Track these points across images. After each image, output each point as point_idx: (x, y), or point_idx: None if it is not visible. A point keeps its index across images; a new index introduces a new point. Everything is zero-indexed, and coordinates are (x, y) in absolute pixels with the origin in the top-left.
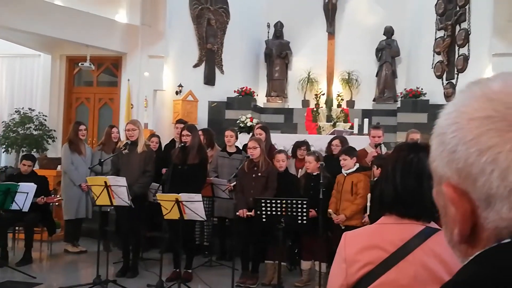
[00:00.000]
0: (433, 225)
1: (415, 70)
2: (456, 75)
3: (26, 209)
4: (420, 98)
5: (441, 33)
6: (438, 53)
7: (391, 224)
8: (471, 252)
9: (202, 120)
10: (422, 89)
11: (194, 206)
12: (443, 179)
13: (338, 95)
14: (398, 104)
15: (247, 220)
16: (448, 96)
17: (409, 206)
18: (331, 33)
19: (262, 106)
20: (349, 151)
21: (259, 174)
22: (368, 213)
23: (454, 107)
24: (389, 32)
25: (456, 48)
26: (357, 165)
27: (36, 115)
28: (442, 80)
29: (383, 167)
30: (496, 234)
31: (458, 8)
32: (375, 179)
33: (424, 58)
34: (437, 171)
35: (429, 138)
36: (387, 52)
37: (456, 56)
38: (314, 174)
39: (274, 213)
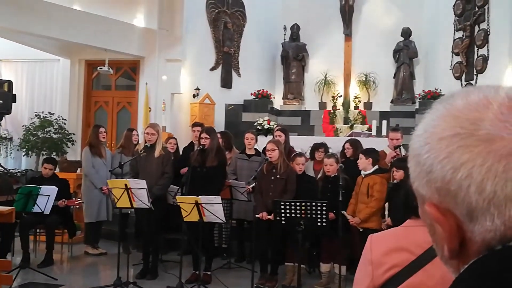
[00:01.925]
0: None
1: (433, 71)
2: (475, 76)
3: (47, 211)
4: (439, 99)
5: (459, 34)
6: (457, 54)
7: (417, 227)
8: (461, 266)
9: (219, 123)
10: (440, 90)
11: (214, 208)
12: (425, 199)
13: (355, 97)
14: (417, 106)
15: (266, 223)
16: None
17: None
18: (348, 35)
19: (279, 109)
20: (367, 151)
21: (278, 176)
22: (387, 216)
23: (424, 128)
24: (406, 33)
25: (475, 49)
26: (376, 167)
27: (56, 119)
28: (461, 81)
29: (408, 169)
30: (485, 245)
31: (477, 9)
32: (394, 181)
33: (442, 59)
34: (419, 191)
35: None
36: (405, 53)
37: (475, 57)
38: (331, 176)
39: (293, 215)
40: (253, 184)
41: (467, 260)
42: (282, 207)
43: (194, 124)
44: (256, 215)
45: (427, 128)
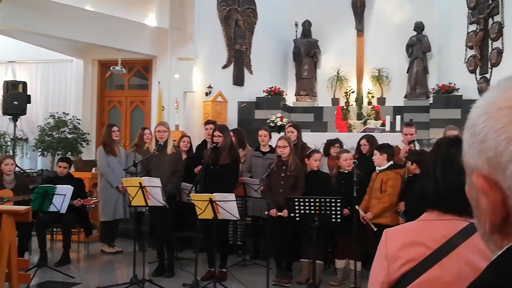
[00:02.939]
0: None
1: (447, 65)
2: (490, 69)
3: (63, 210)
4: (453, 93)
5: (473, 27)
6: (471, 48)
7: (433, 221)
8: (505, 243)
9: (231, 120)
10: (454, 84)
11: (228, 205)
12: (474, 170)
13: (369, 93)
14: (431, 100)
15: (279, 219)
16: (482, 91)
17: (451, 202)
18: (360, 30)
19: (292, 105)
20: (381, 147)
21: (288, 173)
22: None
23: (484, 100)
24: (419, 27)
25: (490, 42)
26: (391, 162)
27: (70, 119)
28: (475, 74)
29: (423, 163)
30: None
31: (490, 1)
32: (409, 175)
33: (456, 53)
34: (469, 162)
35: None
36: (418, 47)
37: (490, 50)
38: (345, 172)
39: (307, 212)
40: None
41: (509, 237)
42: (296, 203)
43: (207, 122)
44: (266, 212)
45: (488, 99)
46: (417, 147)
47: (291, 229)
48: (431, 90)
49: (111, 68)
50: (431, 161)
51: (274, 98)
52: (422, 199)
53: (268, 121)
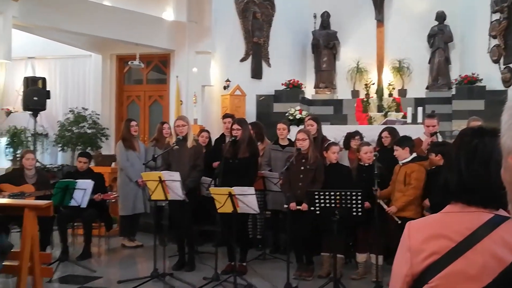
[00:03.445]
0: (502, 212)
1: (470, 55)
2: None
3: (84, 205)
4: (476, 84)
5: (496, 16)
6: (494, 37)
7: (457, 213)
8: None
9: (250, 114)
10: (478, 75)
11: (247, 199)
12: (511, 152)
13: (389, 84)
14: (453, 91)
15: (299, 213)
16: (506, 81)
17: (475, 194)
18: (380, 21)
19: (311, 98)
20: (401, 141)
21: (308, 166)
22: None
23: None
24: (441, 17)
25: None
26: (414, 155)
27: (89, 114)
28: (499, 64)
29: (447, 154)
30: None
31: None
32: (433, 168)
33: (479, 43)
34: (506, 144)
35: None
36: (440, 38)
37: None
38: (366, 165)
39: (328, 205)
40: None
41: None
42: (316, 197)
43: (225, 116)
44: (285, 206)
45: None
46: (440, 139)
47: (310, 223)
48: (453, 81)
49: (129, 62)
50: (454, 153)
51: (292, 91)
52: (446, 191)
53: (287, 114)
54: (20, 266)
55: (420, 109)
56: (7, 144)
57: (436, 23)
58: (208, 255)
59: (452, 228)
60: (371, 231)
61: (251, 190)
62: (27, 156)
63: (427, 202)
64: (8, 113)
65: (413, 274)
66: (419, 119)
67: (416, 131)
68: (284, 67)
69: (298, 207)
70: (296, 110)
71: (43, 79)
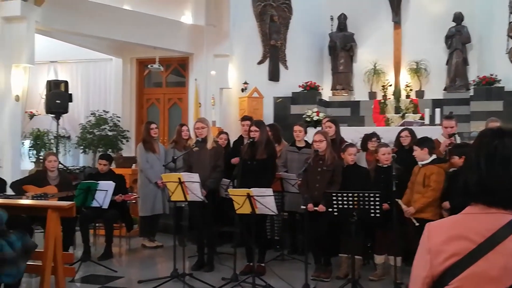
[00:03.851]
0: None
1: (488, 56)
2: None
3: (106, 206)
4: (495, 85)
5: None
6: None
7: (477, 214)
8: None
9: (267, 116)
10: (496, 75)
11: (266, 200)
12: None
13: (407, 86)
14: (471, 93)
15: (316, 214)
16: None
17: (495, 195)
18: (397, 23)
19: (328, 100)
20: (421, 142)
21: (325, 168)
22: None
23: None
24: (458, 18)
25: None
26: (434, 156)
27: (110, 117)
28: None
29: (466, 155)
30: None
31: None
32: (454, 170)
33: (497, 44)
34: None
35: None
36: (457, 39)
37: None
38: (384, 166)
39: (345, 206)
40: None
41: None
42: (334, 198)
43: (243, 118)
44: (302, 207)
45: None
46: (458, 141)
47: (328, 224)
48: (471, 82)
49: (149, 66)
50: (474, 154)
51: (310, 93)
52: (466, 192)
53: (304, 116)
54: (44, 266)
55: (437, 110)
56: (30, 146)
57: (454, 24)
58: (227, 256)
59: (472, 229)
60: (390, 232)
61: (269, 191)
62: (50, 158)
63: (447, 204)
64: (32, 116)
65: (433, 276)
66: (437, 121)
67: (433, 133)
68: (301, 69)
69: (315, 208)
70: (313, 112)
71: (65, 83)
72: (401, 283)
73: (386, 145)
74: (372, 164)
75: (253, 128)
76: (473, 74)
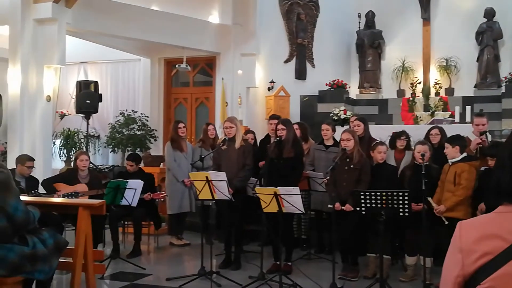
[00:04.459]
0: None
1: None
2: None
3: (134, 204)
4: None
5: None
6: None
7: (510, 213)
8: None
9: (294, 114)
10: None
11: (292, 199)
12: None
13: (436, 83)
14: (503, 90)
15: (343, 213)
16: None
17: None
18: (426, 19)
19: (355, 98)
20: (452, 139)
21: (352, 166)
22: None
23: None
24: (490, 14)
25: None
26: (464, 154)
27: (139, 116)
28: None
29: (498, 154)
30: None
31: None
32: (486, 168)
33: None
34: None
35: None
36: (488, 35)
37: None
38: (422, 165)
39: (373, 205)
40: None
41: None
42: (362, 197)
43: (271, 117)
44: (330, 206)
45: None
46: (489, 138)
47: (355, 223)
48: (503, 79)
49: (176, 66)
50: (506, 152)
51: (337, 91)
52: (498, 191)
53: (331, 114)
54: (74, 263)
55: (468, 108)
56: (61, 146)
57: (485, 20)
58: (254, 254)
59: (505, 228)
60: (420, 233)
61: (296, 190)
62: (82, 158)
63: (483, 206)
64: (62, 116)
65: (464, 275)
66: (467, 118)
67: (464, 131)
68: (328, 67)
69: (342, 207)
70: (340, 110)
71: (95, 83)
72: (431, 283)
73: (422, 143)
74: (409, 162)
75: (280, 126)
76: (505, 70)
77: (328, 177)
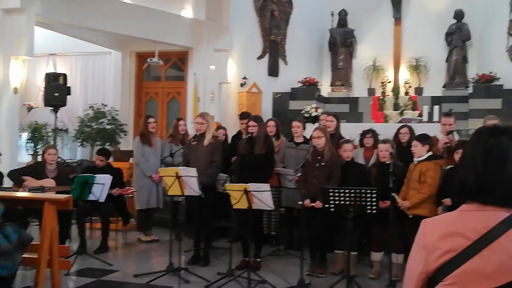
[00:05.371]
0: None
1: (488, 54)
2: None
3: (102, 199)
4: (494, 83)
5: None
6: None
7: (473, 211)
8: None
9: (266, 111)
10: (495, 73)
11: (262, 195)
12: None
13: (406, 82)
14: (470, 90)
15: (313, 210)
16: None
17: (492, 193)
18: (397, 19)
19: (327, 96)
20: (422, 137)
21: (323, 163)
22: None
23: None
24: (459, 15)
25: None
26: (430, 153)
27: (109, 110)
28: None
29: (463, 154)
30: None
31: None
32: (450, 166)
33: (497, 41)
34: None
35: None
36: (457, 36)
37: None
38: (386, 162)
39: (342, 202)
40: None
41: None
42: (331, 194)
43: (242, 116)
44: (300, 203)
45: None
46: (456, 138)
47: (325, 220)
48: (470, 79)
49: (148, 60)
50: (470, 152)
51: (309, 89)
52: (462, 190)
53: (302, 111)
54: (39, 259)
55: (436, 107)
56: (28, 139)
57: (454, 21)
58: (223, 251)
59: (468, 226)
60: (387, 229)
61: (266, 186)
62: (50, 151)
63: (448, 200)
64: (30, 108)
65: (428, 272)
66: (435, 118)
67: (432, 130)
68: (301, 64)
69: (312, 204)
70: (312, 108)
71: (64, 76)
72: (396, 280)
73: (385, 141)
74: (375, 160)
75: (252, 123)
76: (473, 71)
77: (298, 174)
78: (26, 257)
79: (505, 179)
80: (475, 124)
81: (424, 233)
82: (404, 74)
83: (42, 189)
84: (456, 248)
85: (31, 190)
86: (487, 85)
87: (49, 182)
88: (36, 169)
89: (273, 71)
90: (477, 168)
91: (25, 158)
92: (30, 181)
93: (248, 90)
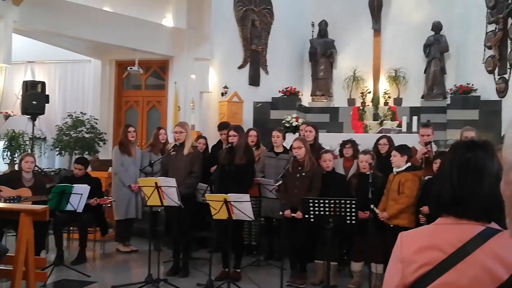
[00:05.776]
0: (493, 225)
1: (465, 65)
2: (508, 70)
3: (80, 209)
4: (471, 94)
5: (492, 27)
6: (490, 48)
7: (449, 225)
8: None
9: (247, 121)
10: (472, 85)
11: (242, 206)
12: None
13: (385, 93)
14: (448, 101)
15: (294, 220)
16: (500, 92)
17: (467, 207)
18: (377, 30)
19: (307, 106)
20: (401, 148)
21: (303, 174)
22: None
23: None
24: (437, 27)
25: (509, 42)
26: (408, 164)
27: (88, 119)
28: (494, 75)
29: (440, 166)
30: None
31: (510, 1)
32: (429, 177)
33: (474, 53)
34: (508, 159)
35: (483, 136)
36: (436, 47)
37: (509, 50)
38: (367, 173)
39: (322, 213)
40: (280, 182)
41: None
42: (311, 204)
43: (221, 127)
44: (280, 213)
45: None
46: (434, 149)
47: (305, 230)
48: (448, 90)
49: (128, 68)
50: (447, 166)
51: (289, 99)
52: (438, 203)
53: (283, 121)
54: (15, 270)
55: (415, 118)
56: (4, 148)
57: (433, 33)
58: (203, 261)
59: (444, 239)
60: (367, 240)
61: (246, 197)
62: (27, 159)
63: (426, 209)
64: (7, 116)
65: (404, 285)
66: (414, 128)
67: (411, 140)
68: (282, 74)
69: (293, 214)
70: (292, 118)
71: (42, 83)
72: None
73: (365, 152)
74: (355, 170)
75: (232, 133)
76: (451, 83)
77: (278, 184)
78: (1, 268)
79: (481, 193)
80: (453, 135)
81: (401, 246)
82: (384, 85)
83: (18, 199)
84: (432, 261)
85: (7, 200)
86: (464, 96)
87: (25, 192)
88: (12, 178)
89: (254, 80)
90: (453, 181)
91: (1, 167)
92: (6, 191)
93: (229, 100)
